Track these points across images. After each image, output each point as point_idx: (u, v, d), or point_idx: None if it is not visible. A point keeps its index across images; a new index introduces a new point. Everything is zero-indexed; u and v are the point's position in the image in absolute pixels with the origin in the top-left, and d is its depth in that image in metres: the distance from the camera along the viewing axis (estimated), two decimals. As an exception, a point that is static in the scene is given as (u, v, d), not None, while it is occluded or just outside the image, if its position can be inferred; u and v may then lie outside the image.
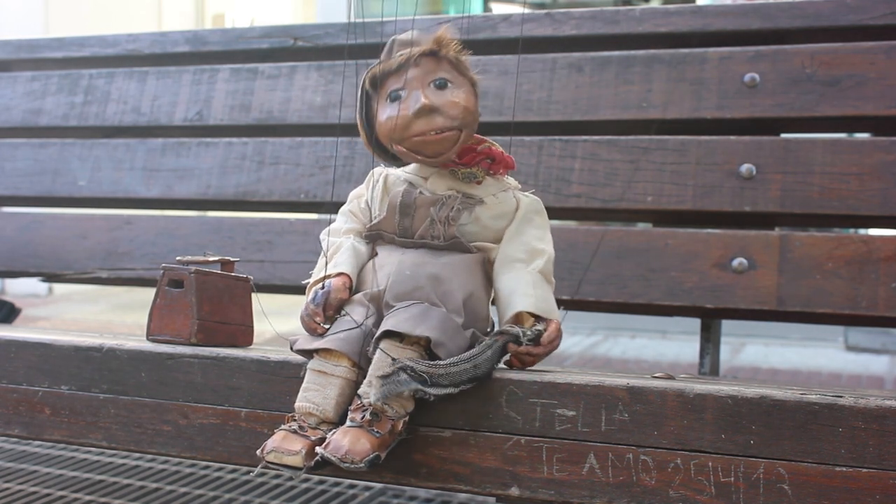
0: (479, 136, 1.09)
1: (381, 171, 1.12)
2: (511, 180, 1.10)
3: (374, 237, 1.09)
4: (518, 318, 1.03)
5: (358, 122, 1.08)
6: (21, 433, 1.20)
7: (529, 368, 1.03)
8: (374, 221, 1.09)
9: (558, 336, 1.03)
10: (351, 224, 1.11)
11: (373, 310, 1.02)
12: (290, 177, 1.83)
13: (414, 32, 1.07)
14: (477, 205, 1.06)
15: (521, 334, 1.00)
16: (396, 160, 1.10)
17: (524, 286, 1.04)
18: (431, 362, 0.95)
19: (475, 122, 1.06)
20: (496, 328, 1.10)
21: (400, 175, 1.10)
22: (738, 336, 3.95)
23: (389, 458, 0.96)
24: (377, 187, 1.11)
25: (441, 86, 1.04)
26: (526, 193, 1.10)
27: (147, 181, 1.94)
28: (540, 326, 1.02)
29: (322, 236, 1.12)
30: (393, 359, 0.95)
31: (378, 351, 0.97)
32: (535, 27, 1.74)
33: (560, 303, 1.62)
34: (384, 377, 0.94)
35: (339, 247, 1.08)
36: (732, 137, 1.57)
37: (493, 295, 1.09)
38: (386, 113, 1.04)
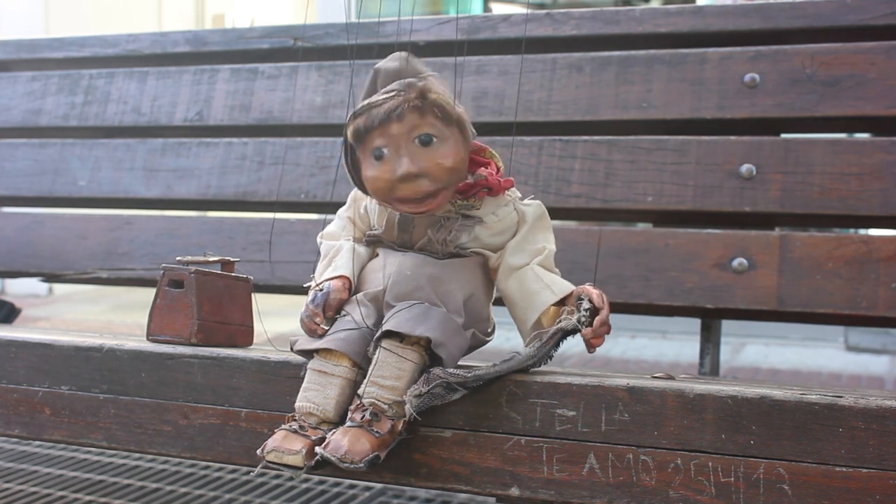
0: (479, 143, 1.07)
1: None
2: (512, 192, 1.08)
3: (374, 242, 1.09)
4: (545, 314, 1.02)
5: (345, 168, 1.04)
6: (21, 433, 1.20)
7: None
8: (374, 232, 1.09)
9: (599, 292, 1.01)
10: (348, 232, 1.11)
11: (373, 310, 1.02)
12: (291, 177, 1.83)
13: (397, 57, 1.03)
14: (476, 225, 1.06)
15: (577, 323, 0.98)
16: None
17: (532, 283, 1.03)
18: (464, 372, 0.95)
19: (463, 173, 1.02)
20: (493, 330, 1.10)
21: None
22: (738, 336, 3.94)
23: (389, 458, 0.96)
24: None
25: (425, 142, 0.99)
26: (527, 202, 1.08)
27: (147, 181, 1.94)
28: (584, 301, 1.00)
29: (319, 240, 1.12)
30: (427, 374, 0.95)
31: (380, 350, 0.97)
32: (536, 27, 1.74)
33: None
34: (419, 395, 0.94)
35: (338, 249, 1.08)
36: (732, 137, 1.57)
37: (494, 297, 1.09)
38: (370, 171, 1.00)
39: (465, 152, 1.02)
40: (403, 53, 1.04)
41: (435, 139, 1.00)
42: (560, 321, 0.99)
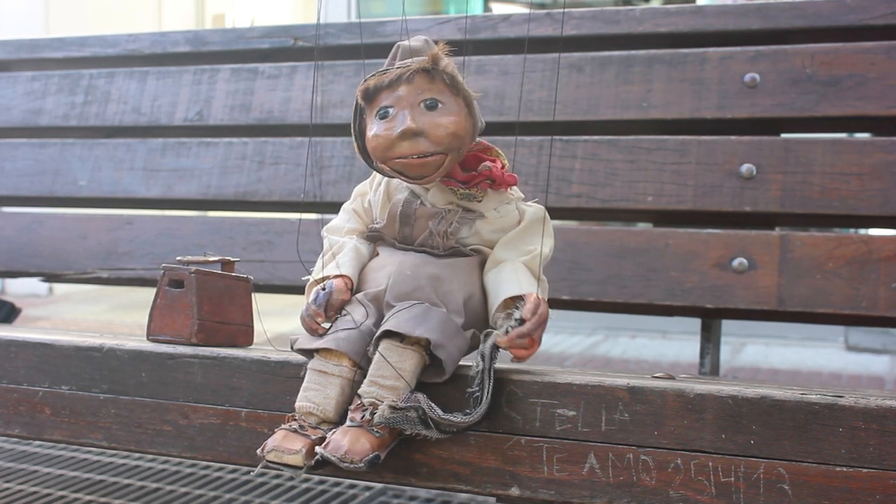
0: (485, 142, 1.08)
1: None
2: (514, 191, 1.09)
3: (376, 238, 1.09)
4: (505, 307, 1.01)
5: (352, 132, 1.06)
6: (21, 433, 1.20)
7: (524, 364, 1.02)
8: (375, 226, 1.09)
9: (538, 304, 0.99)
10: (353, 224, 1.11)
11: (373, 309, 1.02)
12: (291, 177, 1.83)
13: (420, 39, 1.05)
14: (477, 219, 1.06)
15: (506, 329, 0.97)
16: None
17: (506, 274, 1.03)
18: (445, 415, 0.94)
19: (464, 144, 1.03)
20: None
21: (403, 181, 1.09)
22: (738, 336, 3.95)
23: (389, 457, 0.96)
24: (379, 191, 1.10)
25: (431, 107, 1.01)
26: (530, 203, 1.09)
27: (147, 181, 1.94)
28: (516, 311, 0.99)
29: (323, 233, 1.12)
30: (412, 392, 0.95)
31: (380, 350, 0.97)
32: (536, 27, 1.74)
33: (560, 303, 1.62)
34: (395, 409, 0.93)
35: (341, 247, 1.08)
36: (732, 137, 1.58)
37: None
38: (373, 130, 1.02)
39: (469, 126, 1.03)
40: (425, 37, 1.05)
41: (441, 105, 1.01)
42: (493, 332, 0.98)
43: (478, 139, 1.07)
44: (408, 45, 1.04)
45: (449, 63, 1.02)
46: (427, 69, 1.01)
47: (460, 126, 1.02)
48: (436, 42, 1.04)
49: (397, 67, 1.02)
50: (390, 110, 1.01)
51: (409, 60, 1.03)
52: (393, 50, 1.06)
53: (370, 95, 1.03)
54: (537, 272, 1.05)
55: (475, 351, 1.05)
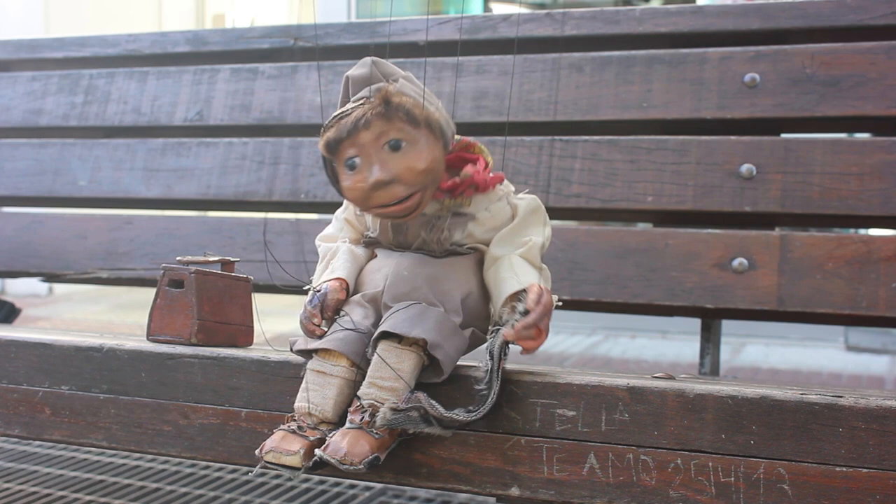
0: (467, 139, 1.06)
1: None
2: (505, 186, 1.07)
3: (372, 244, 1.09)
4: (507, 304, 1.01)
5: (329, 180, 1.04)
6: (21, 433, 1.20)
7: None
8: (369, 234, 1.09)
9: (542, 293, 0.98)
10: (345, 234, 1.11)
11: (371, 310, 1.02)
12: (291, 177, 1.83)
13: (367, 63, 1.02)
14: (469, 222, 1.05)
15: (512, 323, 0.97)
16: None
17: (504, 272, 1.02)
18: (446, 413, 0.94)
19: (439, 175, 1.00)
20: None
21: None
22: (738, 336, 3.95)
23: (389, 457, 0.96)
24: None
25: (395, 147, 0.97)
26: (521, 195, 1.08)
27: (147, 181, 1.94)
28: (520, 304, 0.98)
29: (317, 242, 1.12)
30: (412, 394, 0.94)
31: (378, 351, 0.97)
32: (536, 27, 1.74)
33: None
34: (396, 411, 0.93)
35: (335, 251, 1.08)
36: (732, 137, 1.57)
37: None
38: (345, 182, 1.00)
39: (440, 152, 1.00)
40: (370, 59, 1.02)
41: (404, 143, 0.98)
42: (500, 329, 0.98)
43: (458, 137, 1.05)
44: (358, 74, 1.01)
45: (400, 96, 0.98)
46: (381, 111, 0.97)
47: (430, 160, 0.98)
48: (382, 59, 1.01)
49: (352, 108, 0.99)
50: (356, 160, 0.98)
51: (364, 93, 1.00)
52: (343, 83, 1.02)
53: (332, 148, 1.00)
54: (535, 261, 1.04)
55: (477, 348, 1.05)
